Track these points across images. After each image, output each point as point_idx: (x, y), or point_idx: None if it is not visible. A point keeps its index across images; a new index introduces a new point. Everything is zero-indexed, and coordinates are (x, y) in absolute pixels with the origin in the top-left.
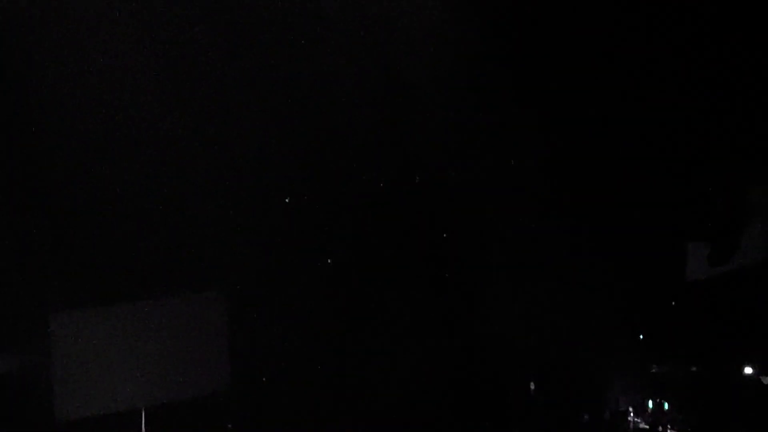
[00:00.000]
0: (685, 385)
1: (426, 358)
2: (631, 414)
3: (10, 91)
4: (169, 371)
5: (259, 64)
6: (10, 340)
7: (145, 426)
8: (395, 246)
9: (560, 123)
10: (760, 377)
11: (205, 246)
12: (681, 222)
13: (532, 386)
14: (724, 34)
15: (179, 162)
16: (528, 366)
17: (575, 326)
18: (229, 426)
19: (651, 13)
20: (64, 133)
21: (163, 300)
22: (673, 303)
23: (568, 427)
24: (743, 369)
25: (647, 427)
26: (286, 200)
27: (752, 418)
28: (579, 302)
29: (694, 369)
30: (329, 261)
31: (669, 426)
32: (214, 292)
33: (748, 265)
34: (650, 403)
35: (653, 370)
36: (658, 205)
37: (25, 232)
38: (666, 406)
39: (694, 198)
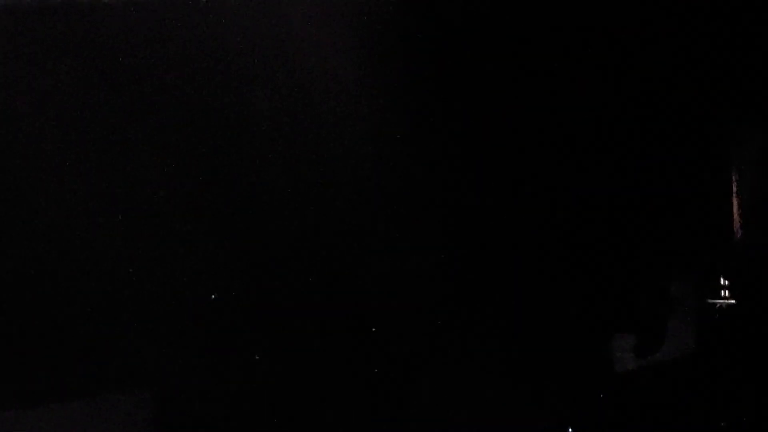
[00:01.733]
0: None
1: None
2: None
3: None
4: None
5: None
6: None
7: None
8: (321, 335)
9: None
10: None
11: (131, 342)
12: (606, 314)
13: None
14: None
15: (99, 252)
16: None
17: (501, 421)
18: None
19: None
20: None
21: (87, 400)
22: (601, 395)
23: None
24: None
25: None
26: (213, 297)
27: None
28: (504, 397)
29: None
30: (257, 357)
31: None
32: (142, 391)
33: (674, 356)
34: None
35: None
36: (582, 297)
37: None
38: None
39: (618, 290)
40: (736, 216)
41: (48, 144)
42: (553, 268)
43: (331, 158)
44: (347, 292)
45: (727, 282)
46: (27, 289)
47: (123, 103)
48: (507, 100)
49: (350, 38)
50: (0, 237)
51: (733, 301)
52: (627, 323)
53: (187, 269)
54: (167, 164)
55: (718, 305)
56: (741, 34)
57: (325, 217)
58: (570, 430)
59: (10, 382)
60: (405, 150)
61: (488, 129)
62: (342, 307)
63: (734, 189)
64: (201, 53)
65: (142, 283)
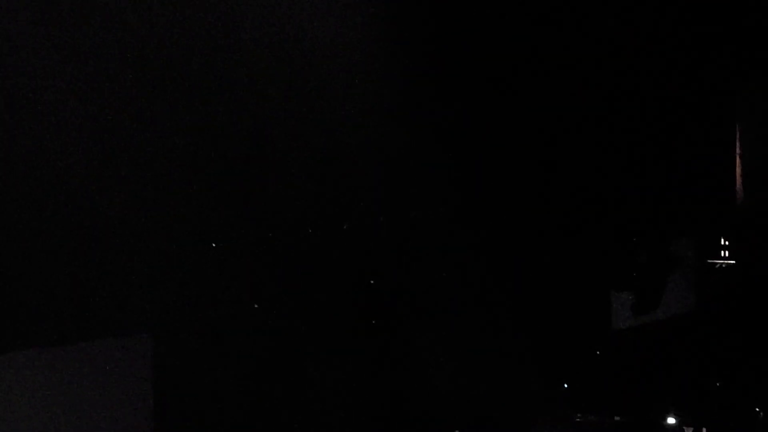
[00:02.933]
0: None
1: (352, 405)
2: None
3: None
4: (92, 417)
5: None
6: None
7: None
8: (324, 290)
9: (486, 168)
10: (683, 428)
11: (130, 286)
12: (605, 271)
13: None
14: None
15: (101, 199)
16: (452, 415)
17: (498, 375)
18: None
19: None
20: None
21: (85, 343)
22: (597, 352)
23: None
24: (667, 419)
25: None
26: (213, 245)
27: None
28: (502, 351)
29: (617, 419)
30: (256, 306)
31: None
32: (140, 334)
33: (672, 315)
34: None
35: (577, 419)
36: (582, 254)
37: None
38: None
39: (617, 248)
40: (737, 178)
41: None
42: (553, 226)
43: (339, 151)
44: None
45: (726, 242)
46: (31, 235)
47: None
48: (508, 69)
49: (358, 32)
50: (9, 183)
51: (732, 262)
52: (626, 281)
53: (188, 216)
54: (172, 120)
55: (717, 265)
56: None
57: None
58: (565, 385)
59: (13, 325)
60: (412, 145)
61: (489, 105)
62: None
63: (737, 151)
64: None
65: (144, 229)
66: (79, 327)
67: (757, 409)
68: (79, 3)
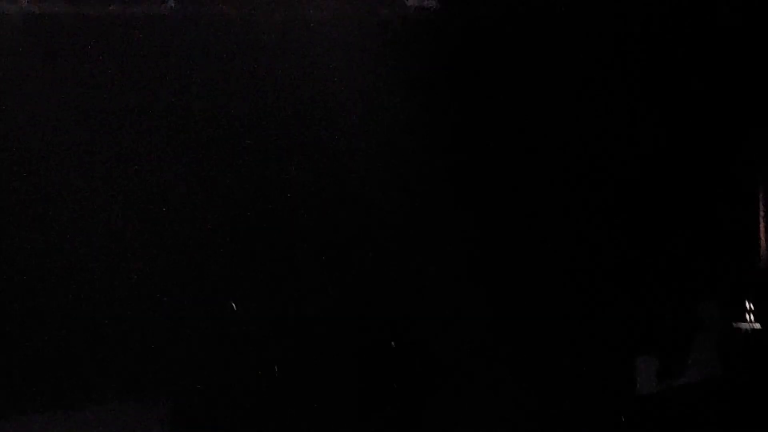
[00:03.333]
0: None
1: None
2: None
3: None
4: None
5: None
6: None
7: None
8: (346, 359)
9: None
10: None
11: (146, 349)
12: (629, 335)
13: None
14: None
15: (118, 264)
16: None
17: None
18: None
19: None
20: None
21: (102, 407)
22: (623, 418)
23: None
24: None
25: None
26: (233, 306)
27: None
28: (525, 416)
29: None
30: (276, 370)
31: None
32: (154, 398)
33: (698, 379)
34: None
35: None
36: (606, 318)
37: None
38: None
39: (641, 312)
40: (761, 240)
41: (74, 154)
42: (578, 290)
43: (349, 177)
44: (364, 304)
45: (752, 306)
46: (45, 297)
47: (156, 110)
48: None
49: (368, 57)
50: (22, 250)
51: (758, 325)
52: (651, 345)
53: (207, 278)
54: (192, 174)
55: (743, 329)
56: None
57: (341, 231)
58: None
59: (29, 388)
60: (423, 162)
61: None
62: (359, 317)
63: (761, 213)
64: (233, 66)
65: (160, 291)
66: (95, 390)
67: None
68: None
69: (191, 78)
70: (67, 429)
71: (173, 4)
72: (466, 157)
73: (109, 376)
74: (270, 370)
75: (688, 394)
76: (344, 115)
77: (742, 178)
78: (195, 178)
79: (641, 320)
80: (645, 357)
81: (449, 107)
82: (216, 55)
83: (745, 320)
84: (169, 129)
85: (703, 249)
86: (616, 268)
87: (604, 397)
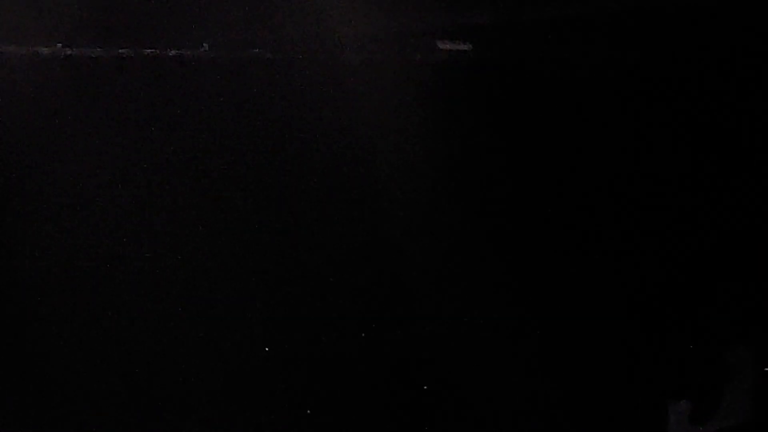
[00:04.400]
0: None
1: None
2: None
3: None
4: None
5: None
6: None
7: None
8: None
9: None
10: None
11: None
12: (662, 380)
13: None
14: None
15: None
16: None
17: None
18: None
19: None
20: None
21: None
22: None
23: None
24: None
25: None
26: (266, 349)
27: None
28: None
29: None
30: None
31: None
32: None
33: (731, 425)
34: None
35: None
36: (637, 363)
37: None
38: None
39: (674, 356)
40: None
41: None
42: (608, 334)
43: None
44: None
45: None
46: (75, 343)
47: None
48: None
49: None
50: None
51: None
52: (683, 389)
53: (241, 320)
54: (224, 223)
55: None
56: None
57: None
58: None
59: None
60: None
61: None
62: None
63: None
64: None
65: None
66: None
67: None
68: None
69: (225, 121)
70: None
71: (207, 48)
72: (503, 203)
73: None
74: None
75: None
76: (378, 157)
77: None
78: (228, 226)
79: (673, 364)
80: (677, 401)
81: (484, 150)
82: (250, 98)
83: None
84: (202, 172)
85: (735, 293)
86: (647, 311)
87: None
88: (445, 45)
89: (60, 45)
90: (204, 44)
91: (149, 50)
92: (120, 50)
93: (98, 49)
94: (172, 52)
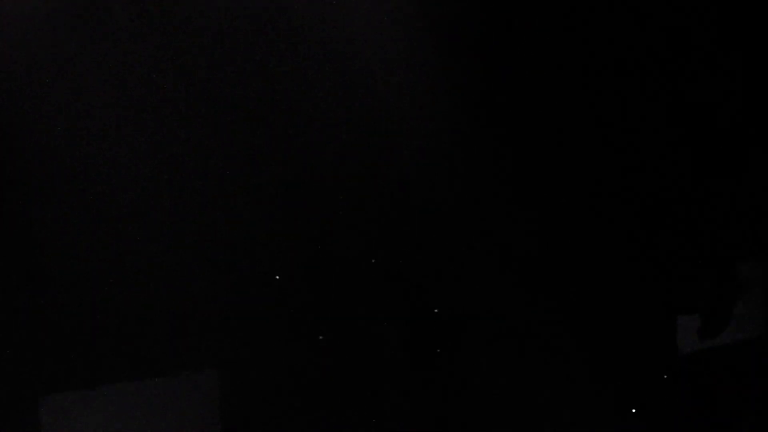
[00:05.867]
0: None
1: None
2: None
3: None
4: None
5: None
6: None
7: None
8: (385, 320)
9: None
10: None
11: (197, 322)
12: (671, 295)
13: None
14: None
15: (167, 236)
16: None
17: (562, 401)
18: None
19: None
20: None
21: (154, 380)
22: (665, 376)
23: None
24: None
25: None
26: (276, 277)
27: None
28: (566, 376)
29: None
30: (321, 337)
31: None
32: (208, 370)
33: (740, 339)
34: None
35: None
36: (647, 277)
37: (14, 310)
38: None
39: (683, 271)
40: None
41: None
42: (618, 249)
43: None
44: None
45: None
46: (100, 273)
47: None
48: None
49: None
50: (74, 228)
51: None
52: (692, 305)
53: (251, 251)
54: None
55: None
56: None
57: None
58: (633, 410)
59: (75, 362)
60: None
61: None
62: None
63: None
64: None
65: (205, 264)
66: (142, 363)
67: None
68: None
69: (220, 46)
70: (115, 402)
71: None
72: (510, 124)
73: (155, 349)
74: (314, 339)
75: (730, 353)
76: (377, 80)
77: None
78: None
79: (683, 280)
80: (686, 316)
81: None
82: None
83: None
84: (194, 96)
85: (744, 209)
86: (657, 228)
87: (645, 355)
88: None
89: None
90: None
91: None
92: None
93: None
94: None
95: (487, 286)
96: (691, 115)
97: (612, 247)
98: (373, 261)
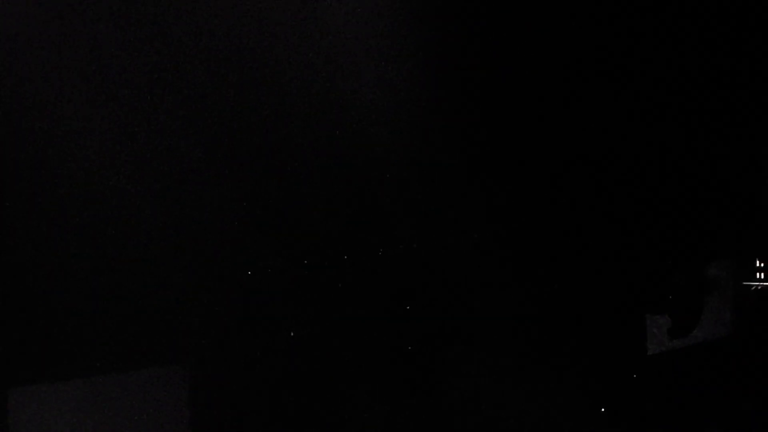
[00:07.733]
0: None
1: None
2: None
3: None
4: None
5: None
6: None
7: None
8: (360, 316)
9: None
10: None
11: (167, 317)
12: (641, 295)
13: None
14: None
15: (138, 233)
16: None
17: (533, 399)
18: None
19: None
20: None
21: (124, 374)
22: (634, 375)
23: None
24: None
25: None
26: (248, 273)
27: None
28: (537, 375)
29: None
30: (292, 334)
31: None
32: (176, 366)
33: (709, 338)
34: None
35: None
36: (617, 277)
37: None
38: None
39: (652, 271)
40: None
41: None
42: (589, 248)
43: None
44: (380, 273)
45: (762, 264)
46: (71, 266)
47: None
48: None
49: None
50: (56, 218)
51: None
52: (661, 304)
53: (223, 244)
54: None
55: (753, 287)
56: None
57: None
58: (603, 409)
59: (45, 355)
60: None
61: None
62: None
63: None
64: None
65: (176, 257)
66: (112, 357)
67: None
68: None
69: (205, 48)
70: (83, 396)
71: None
72: (491, 126)
73: (124, 344)
74: (287, 335)
75: (699, 353)
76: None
77: (752, 135)
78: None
79: (652, 279)
80: (655, 316)
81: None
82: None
83: (755, 279)
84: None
85: (712, 209)
86: (626, 229)
87: (615, 355)
88: None
89: None
90: None
91: None
92: None
93: None
94: None
95: (460, 286)
96: (663, 119)
97: (582, 248)
98: (345, 257)
